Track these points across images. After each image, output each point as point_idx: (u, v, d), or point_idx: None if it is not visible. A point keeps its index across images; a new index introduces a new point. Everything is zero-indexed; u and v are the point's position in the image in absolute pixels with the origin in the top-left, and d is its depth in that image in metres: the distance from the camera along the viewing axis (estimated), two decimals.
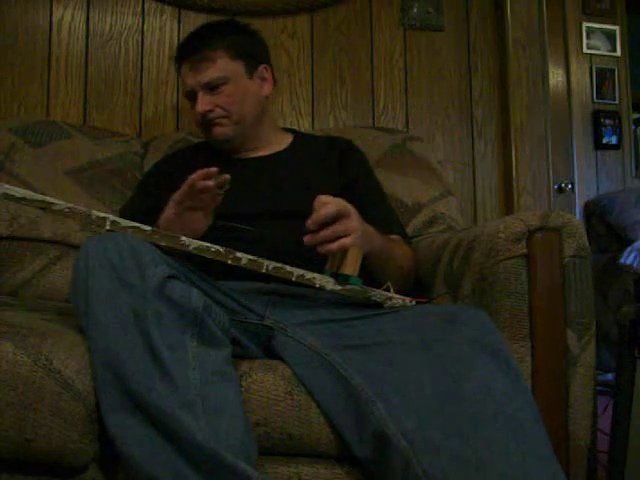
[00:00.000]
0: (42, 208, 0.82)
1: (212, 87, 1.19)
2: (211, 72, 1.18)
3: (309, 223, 0.85)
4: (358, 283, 0.88)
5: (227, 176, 0.95)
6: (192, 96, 1.22)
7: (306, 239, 0.85)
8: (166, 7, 1.71)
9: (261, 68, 1.26)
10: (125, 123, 1.67)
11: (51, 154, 1.40)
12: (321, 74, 1.78)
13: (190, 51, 1.21)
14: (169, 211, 0.99)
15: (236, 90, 1.20)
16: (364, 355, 0.79)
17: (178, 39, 1.71)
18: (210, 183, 0.92)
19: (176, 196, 0.98)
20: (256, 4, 1.71)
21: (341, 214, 0.85)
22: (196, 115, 1.22)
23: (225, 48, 1.20)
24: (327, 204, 0.85)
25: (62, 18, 1.65)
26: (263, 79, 1.27)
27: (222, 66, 1.19)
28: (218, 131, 1.21)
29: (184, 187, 0.95)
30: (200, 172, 0.93)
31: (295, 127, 1.68)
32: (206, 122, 1.21)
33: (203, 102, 1.19)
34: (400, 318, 0.85)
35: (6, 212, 1.33)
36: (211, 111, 1.19)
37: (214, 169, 0.92)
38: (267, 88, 1.27)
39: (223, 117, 1.20)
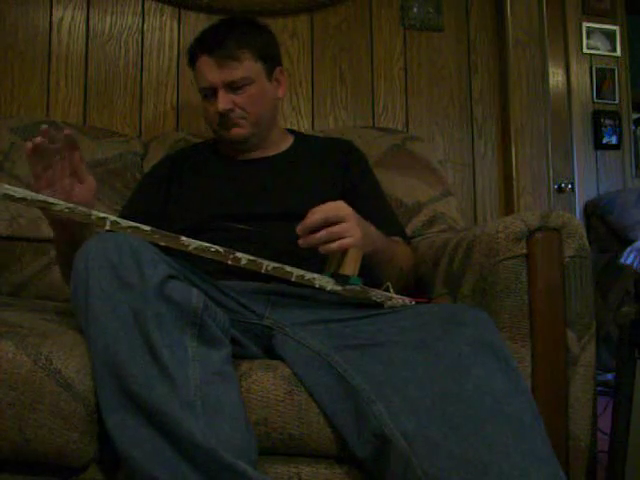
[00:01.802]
0: (42, 208, 0.82)
1: (235, 87, 1.18)
2: (237, 72, 1.17)
3: (298, 229, 0.86)
4: (358, 283, 0.88)
5: (44, 128, 0.84)
6: (209, 92, 1.20)
7: (300, 241, 0.86)
8: (166, 7, 1.71)
9: (277, 71, 1.26)
10: (125, 123, 1.67)
11: None
12: (321, 74, 1.78)
13: (214, 45, 1.19)
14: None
15: (257, 91, 1.20)
16: (364, 355, 0.79)
17: (178, 39, 1.71)
18: (37, 140, 0.83)
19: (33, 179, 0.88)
20: (256, 4, 1.71)
21: (333, 220, 0.86)
22: (211, 111, 1.21)
23: (250, 48, 1.19)
24: (315, 212, 0.86)
25: (62, 18, 1.65)
26: (278, 81, 1.27)
27: (248, 66, 1.18)
28: (236, 132, 1.20)
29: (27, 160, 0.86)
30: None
31: (295, 127, 1.68)
32: (224, 121, 1.20)
33: (224, 100, 1.17)
34: (400, 318, 0.85)
35: (6, 212, 1.33)
36: (232, 110, 1.18)
37: (43, 126, 0.84)
38: (282, 90, 1.27)
39: (241, 118, 1.19)
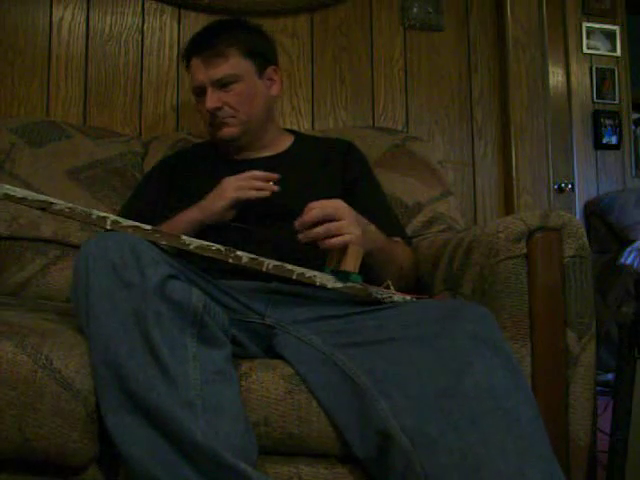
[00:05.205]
0: (42, 208, 0.82)
1: (222, 84, 1.18)
2: (223, 69, 1.18)
3: (297, 224, 0.87)
4: (358, 280, 0.88)
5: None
6: (200, 92, 1.21)
7: (299, 236, 0.87)
8: (166, 7, 1.71)
9: (270, 69, 1.26)
10: (125, 123, 1.66)
11: (51, 154, 1.40)
12: (321, 74, 1.78)
13: (202, 46, 1.20)
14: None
15: (246, 89, 1.20)
16: (368, 353, 0.79)
17: (178, 39, 1.71)
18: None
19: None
20: (256, 4, 1.71)
21: (332, 217, 0.86)
22: (203, 112, 1.21)
23: (238, 46, 1.20)
24: (312, 209, 0.87)
25: (62, 18, 1.65)
26: (271, 80, 1.27)
27: (234, 63, 1.19)
28: (226, 132, 1.21)
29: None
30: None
31: (295, 127, 1.68)
32: (214, 121, 1.20)
33: (212, 99, 1.18)
34: (402, 313, 0.85)
35: (6, 212, 1.33)
36: (220, 109, 1.18)
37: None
38: (275, 89, 1.27)
39: (231, 117, 1.20)
